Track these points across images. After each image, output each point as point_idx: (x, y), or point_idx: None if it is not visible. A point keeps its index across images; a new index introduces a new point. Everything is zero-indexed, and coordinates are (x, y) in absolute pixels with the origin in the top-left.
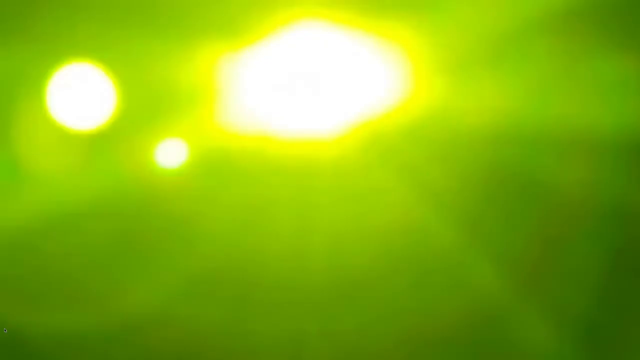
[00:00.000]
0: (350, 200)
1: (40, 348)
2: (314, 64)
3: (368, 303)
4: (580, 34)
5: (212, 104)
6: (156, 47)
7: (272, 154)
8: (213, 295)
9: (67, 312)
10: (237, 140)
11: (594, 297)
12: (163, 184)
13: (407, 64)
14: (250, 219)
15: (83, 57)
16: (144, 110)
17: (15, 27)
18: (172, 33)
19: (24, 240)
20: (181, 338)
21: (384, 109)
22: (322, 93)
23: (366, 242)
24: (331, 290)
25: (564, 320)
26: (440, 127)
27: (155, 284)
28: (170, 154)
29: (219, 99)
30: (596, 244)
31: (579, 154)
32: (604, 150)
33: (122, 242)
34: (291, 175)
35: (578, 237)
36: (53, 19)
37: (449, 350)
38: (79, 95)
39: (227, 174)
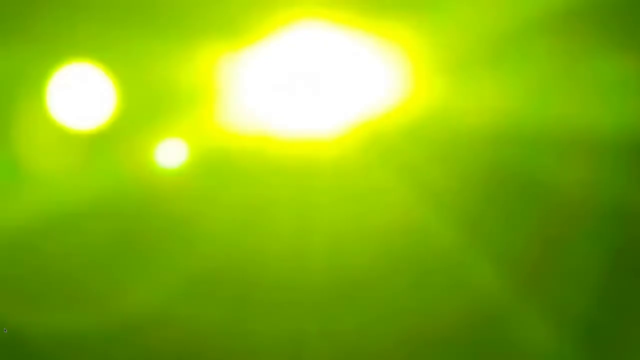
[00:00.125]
0: (350, 200)
1: (40, 348)
2: (314, 64)
3: (368, 303)
4: (580, 34)
5: (212, 104)
6: (156, 47)
7: (272, 154)
8: (213, 295)
9: (67, 312)
10: (237, 140)
11: (594, 297)
12: (163, 184)
13: (407, 64)
14: (250, 219)
15: (83, 57)
16: (144, 110)
17: (15, 27)
18: (172, 33)
19: (24, 240)
20: (181, 338)
21: (384, 109)
22: (322, 93)
23: (366, 242)
24: (331, 290)
25: (564, 320)
26: (440, 127)
27: (155, 284)
28: (170, 154)
29: (219, 99)
30: (596, 244)
31: (579, 154)
32: (604, 150)
33: (122, 242)
34: (291, 175)
35: (578, 237)
36: (53, 19)
37: (449, 350)
38: (79, 95)
39: (227, 174)
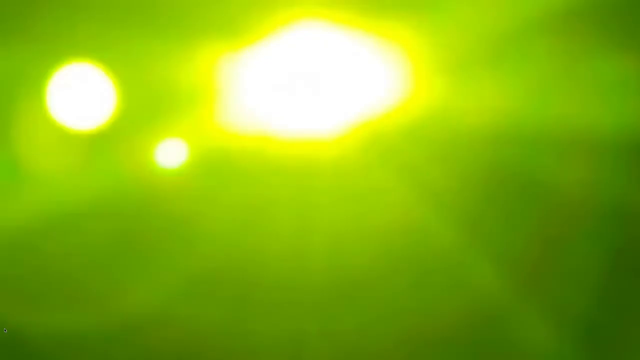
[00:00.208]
0: (350, 200)
1: (40, 348)
2: (313, 64)
3: (368, 303)
4: (580, 34)
5: (212, 104)
6: (156, 47)
7: (272, 154)
8: (213, 295)
9: (67, 312)
10: (237, 140)
11: (594, 297)
12: (163, 184)
13: (407, 64)
14: (250, 219)
15: (83, 57)
16: (144, 111)
17: (15, 27)
18: (172, 33)
19: (24, 240)
20: (181, 338)
21: (384, 109)
22: (322, 93)
23: (366, 242)
24: (331, 290)
25: (564, 320)
26: (440, 127)
27: (155, 284)
28: (170, 154)
29: (219, 99)
30: (596, 244)
31: (579, 154)
32: (604, 150)
33: (122, 242)
34: (291, 175)
35: (578, 237)
36: (53, 19)
37: (449, 350)
38: (79, 95)
39: (227, 174)
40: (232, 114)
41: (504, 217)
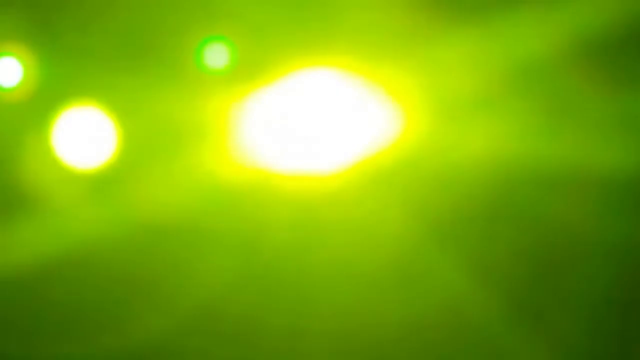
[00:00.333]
0: (349, 231)
1: None
2: (315, 105)
3: (368, 339)
4: (578, 73)
5: (217, 143)
6: (161, 90)
7: (275, 190)
8: (214, 330)
9: (74, 344)
10: (241, 178)
11: (596, 332)
12: (167, 222)
13: (405, 106)
14: (253, 253)
15: (90, 100)
16: (149, 150)
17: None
18: (178, 75)
19: (26, 280)
20: None
21: (384, 148)
22: (324, 132)
23: (365, 272)
24: (336, 332)
25: (568, 355)
26: (437, 165)
27: (156, 320)
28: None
29: (224, 140)
30: (598, 281)
31: (579, 191)
32: (605, 189)
33: (125, 280)
34: (293, 211)
35: (580, 274)
36: (59, 60)
37: None
38: (86, 135)
39: (230, 210)
40: (235, 153)
41: (501, 251)
